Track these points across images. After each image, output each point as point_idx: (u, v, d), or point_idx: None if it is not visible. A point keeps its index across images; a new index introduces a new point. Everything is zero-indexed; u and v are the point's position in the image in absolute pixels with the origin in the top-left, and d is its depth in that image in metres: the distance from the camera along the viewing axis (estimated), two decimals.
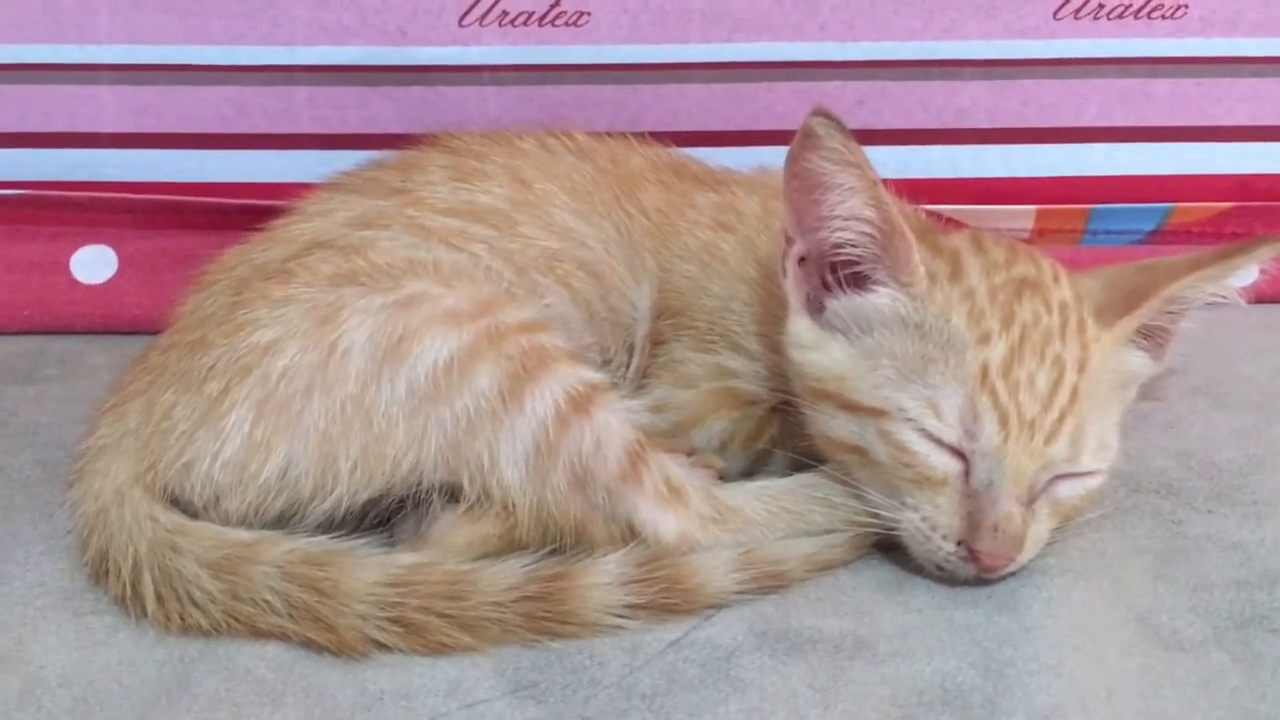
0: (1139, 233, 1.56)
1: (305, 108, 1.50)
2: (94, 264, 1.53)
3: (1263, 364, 1.44)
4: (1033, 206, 1.54)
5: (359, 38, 1.48)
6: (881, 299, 1.08)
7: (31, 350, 1.49)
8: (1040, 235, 1.55)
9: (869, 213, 1.06)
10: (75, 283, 1.53)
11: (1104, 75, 1.52)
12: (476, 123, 1.42)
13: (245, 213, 1.35)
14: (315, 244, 1.17)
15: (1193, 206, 1.55)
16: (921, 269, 1.07)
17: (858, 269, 1.09)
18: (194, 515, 1.07)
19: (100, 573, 1.06)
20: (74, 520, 1.10)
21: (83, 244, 1.53)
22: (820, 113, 1.04)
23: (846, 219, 1.07)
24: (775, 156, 1.10)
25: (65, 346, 1.50)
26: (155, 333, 1.21)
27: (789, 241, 1.11)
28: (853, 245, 1.08)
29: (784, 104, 1.51)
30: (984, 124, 1.53)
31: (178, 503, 1.08)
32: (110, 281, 1.53)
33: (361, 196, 1.23)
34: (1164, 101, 1.53)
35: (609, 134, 1.34)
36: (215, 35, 1.47)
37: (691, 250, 1.24)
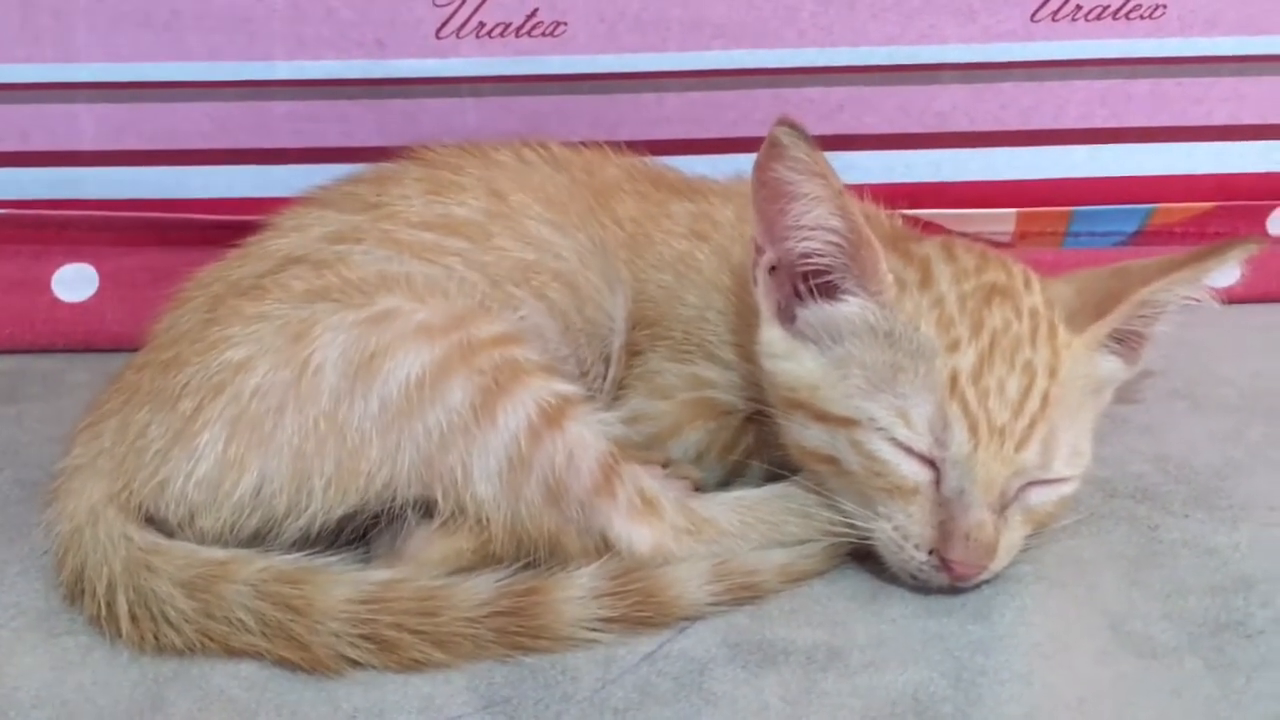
0: (1121, 234, 1.56)
1: (284, 122, 1.50)
2: (75, 282, 1.53)
3: (1242, 366, 1.43)
4: (1014, 210, 1.54)
5: (337, 51, 1.48)
6: (851, 308, 1.08)
7: (13, 369, 1.49)
8: (1022, 238, 1.55)
9: (835, 222, 1.06)
10: (56, 301, 1.53)
11: (1083, 77, 1.51)
12: (456, 134, 1.41)
13: (225, 228, 1.34)
14: (290, 260, 1.17)
15: (1174, 207, 1.54)
16: (890, 277, 1.07)
17: (827, 278, 1.09)
18: (169, 534, 1.07)
19: (75, 593, 1.06)
20: (49, 540, 1.10)
21: (63, 262, 1.53)
22: (785, 122, 1.04)
23: (813, 228, 1.07)
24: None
25: (47, 365, 1.50)
26: (137, 350, 1.20)
27: (759, 250, 1.11)
28: (820, 254, 1.08)
29: (763, 111, 1.50)
30: (964, 127, 1.53)
31: (153, 522, 1.08)
32: (91, 299, 1.54)
33: (337, 211, 1.22)
34: (1144, 102, 1.52)
35: (585, 144, 1.33)
36: (193, 51, 1.47)
37: (667, 260, 1.24)
